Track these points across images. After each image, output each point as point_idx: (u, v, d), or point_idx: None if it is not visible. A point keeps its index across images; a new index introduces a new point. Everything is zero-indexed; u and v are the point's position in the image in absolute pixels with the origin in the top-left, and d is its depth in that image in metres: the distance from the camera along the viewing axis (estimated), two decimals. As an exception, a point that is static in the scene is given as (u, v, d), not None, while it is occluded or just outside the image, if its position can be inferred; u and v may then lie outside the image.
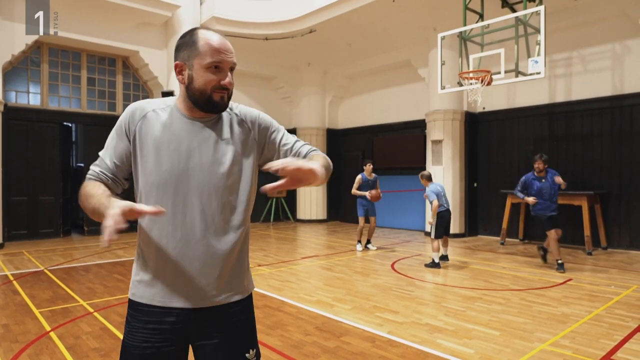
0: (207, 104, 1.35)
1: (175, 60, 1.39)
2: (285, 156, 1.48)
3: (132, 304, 1.41)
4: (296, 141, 1.53)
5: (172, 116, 1.39)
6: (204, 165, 1.35)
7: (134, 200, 1.39)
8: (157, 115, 1.39)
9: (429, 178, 6.95)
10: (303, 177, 1.19)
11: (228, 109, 1.45)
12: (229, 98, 1.39)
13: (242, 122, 1.45)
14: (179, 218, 1.33)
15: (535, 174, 6.40)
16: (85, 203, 1.32)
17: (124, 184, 1.45)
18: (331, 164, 1.48)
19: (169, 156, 1.34)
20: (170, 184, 1.34)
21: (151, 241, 1.36)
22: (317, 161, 1.29)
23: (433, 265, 6.53)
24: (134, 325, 1.38)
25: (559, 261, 6.21)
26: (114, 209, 1.11)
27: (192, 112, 1.39)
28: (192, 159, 1.35)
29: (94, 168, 1.41)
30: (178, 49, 1.39)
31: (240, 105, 1.50)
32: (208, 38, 1.35)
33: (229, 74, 1.37)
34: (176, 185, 1.34)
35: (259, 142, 1.47)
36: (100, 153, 1.43)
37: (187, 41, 1.37)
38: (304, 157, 1.49)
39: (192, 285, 1.35)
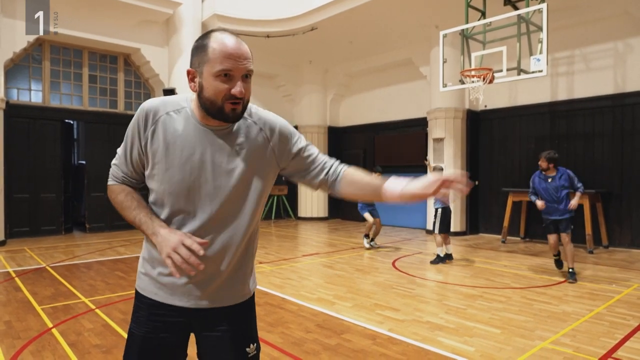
0: (218, 115, 1.28)
1: (189, 66, 1.32)
2: (309, 168, 1.46)
3: (138, 295, 1.44)
4: (319, 153, 1.49)
5: (187, 121, 1.33)
6: (216, 176, 1.32)
7: (147, 196, 1.41)
8: (171, 119, 1.33)
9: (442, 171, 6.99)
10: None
11: (246, 115, 1.38)
12: (245, 108, 1.31)
13: (260, 130, 1.39)
14: (188, 225, 1.33)
15: (542, 172, 5.89)
16: (121, 210, 1.40)
17: (138, 183, 1.47)
18: None
19: (182, 165, 1.31)
20: (181, 193, 1.32)
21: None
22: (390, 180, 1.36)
23: (438, 260, 6.55)
24: (140, 315, 1.41)
25: (555, 256, 5.95)
26: (174, 245, 1.26)
27: (207, 119, 1.32)
28: (205, 169, 1.31)
29: (117, 171, 1.43)
30: (192, 54, 1.31)
31: (259, 111, 1.42)
32: (219, 42, 1.25)
33: (240, 82, 1.26)
34: (187, 194, 1.32)
35: (277, 153, 1.41)
36: (119, 152, 1.43)
37: (199, 45, 1.28)
38: (338, 174, 1.45)
39: (196, 288, 1.37)
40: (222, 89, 1.25)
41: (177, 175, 1.31)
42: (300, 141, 1.46)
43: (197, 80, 1.29)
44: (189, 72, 1.30)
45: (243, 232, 1.38)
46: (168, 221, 1.34)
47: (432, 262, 6.61)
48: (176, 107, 1.35)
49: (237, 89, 1.25)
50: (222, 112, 1.27)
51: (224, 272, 1.38)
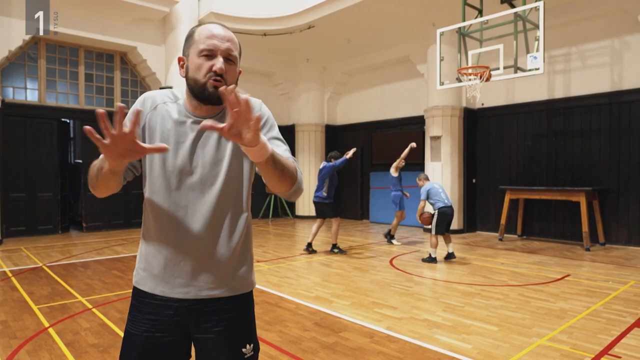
0: (202, 94, 1.32)
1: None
2: None
3: (136, 291, 1.45)
4: (282, 147, 1.43)
5: (180, 112, 1.39)
6: (205, 164, 1.36)
7: (142, 204, 1.44)
8: (166, 108, 1.39)
9: (426, 178, 6.96)
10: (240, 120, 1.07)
11: None
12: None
13: None
14: (179, 214, 1.35)
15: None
16: (91, 173, 1.36)
17: (136, 170, 1.47)
18: (299, 177, 1.34)
19: (173, 153, 1.35)
20: (172, 181, 1.35)
21: (153, 234, 1.39)
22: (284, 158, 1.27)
23: (430, 260, 6.54)
24: (136, 315, 1.41)
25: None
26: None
27: (196, 109, 1.38)
28: (195, 157, 1.36)
29: None
30: (184, 43, 1.40)
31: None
32: (206, 28, 1.35)
33: (221, 59, 1.31)
34: (178, 182, 1.35)
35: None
36: None
37: (189, 33, 1.38)
38: None
39: (191, 279, 1.37)
40: (204, 66, 1.31)
41: (169, 162, 1.35)
42: (272, 129, 1.45)
43: (185, 65, 1.36)
44: (179, 60, 1.39)
45: (236, 219, 1.40)
46: (160, 208, 1.36)
47: (424, 260, 6.64)
48: (172, 98, 1.42)
49: (218, 65, 1.30)
50: (204, 89, 1.31)
51: (222, 262, 1.38)
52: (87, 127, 1.12)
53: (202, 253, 1.36)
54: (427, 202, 6.73)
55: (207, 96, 1.32)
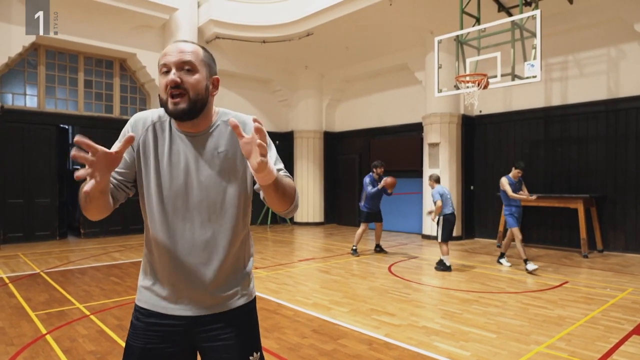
0: (167, 112, 1.33)
1: None
2: None
3: (138, 309, 1.44)
4: (277, 168, 1.43)
5: (170, 130, 1.39)
6: (201, 181, 1.36)
7: (140, 212, 1.43)
8: (158, 128, 1.39)
9: (437, 180, 6.90)
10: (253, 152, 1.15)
11: (221, 121, 1.41)
12: (194, 104, 1.30)
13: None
14: (178, 232, 1.35)
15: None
16: (80, 195, 1.26)
17: (128, 192, 1.44)
18: (297, 199, 1.37)
19: (168, 172, 1.35)
20: (169, 200, 1.35)
21: (154, 252, 1.40)
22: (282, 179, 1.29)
23: (444, 268, 6.44)
24: (138, 327, 1.41)
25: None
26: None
27: (181, 125, 1.37)
28: (189, 175, 1.35)
29: None
30: None
31: (238, 116, 1.44)
32: (165, 49, 1.35)
33: (176, 71, 1.29)
34: (174, 201, 1.35)
35: None
36: None
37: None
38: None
39: (192, 295, 1.37)
40: (162, 83, 1.31)
41: (164, 182, 1.36)
42: (269, 150, 1.44)
43: None
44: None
45: (234, 233, 1.40)
46: (159, 230, 1.36)
47: (437, 268, 6.51)
48: (161, 118, 1.41)
49: (169, 77, 1.29)
50: (167, 108, 1.32)
51: (222, 277, 1.38)
52: (78, 139, 1.09)
53: (203, 274, 1.36)
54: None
55: (170, 113, 1.32)
